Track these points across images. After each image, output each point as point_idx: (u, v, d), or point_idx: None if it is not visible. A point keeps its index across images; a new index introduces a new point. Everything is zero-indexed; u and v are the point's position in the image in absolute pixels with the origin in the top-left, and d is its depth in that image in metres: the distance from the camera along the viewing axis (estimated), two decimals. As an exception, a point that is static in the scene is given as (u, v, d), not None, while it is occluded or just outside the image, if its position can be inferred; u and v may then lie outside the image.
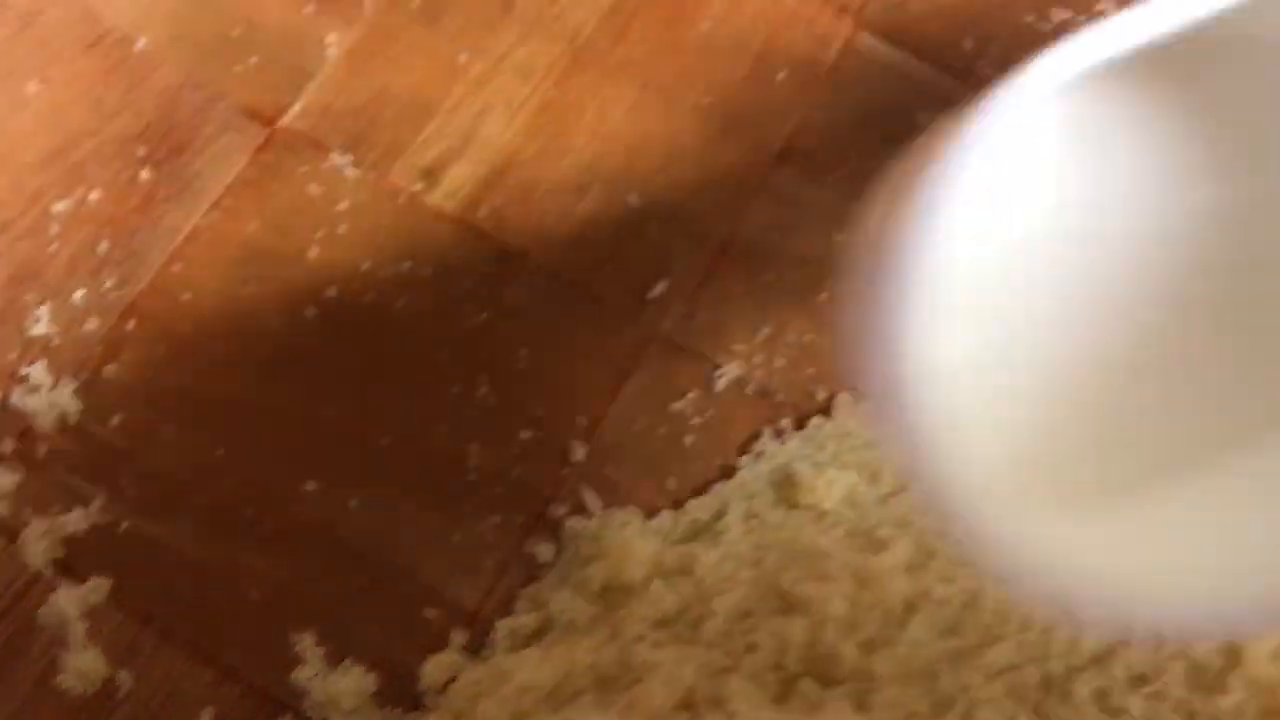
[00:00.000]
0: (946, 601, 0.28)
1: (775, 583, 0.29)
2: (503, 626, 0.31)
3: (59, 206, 0.35)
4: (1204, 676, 0.27)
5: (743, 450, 0.34)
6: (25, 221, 0.35)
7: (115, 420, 0.33)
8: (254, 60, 0.37)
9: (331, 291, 0.35)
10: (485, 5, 0.38)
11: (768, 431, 0.34)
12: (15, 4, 0.36)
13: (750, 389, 0.35)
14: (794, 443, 0.34)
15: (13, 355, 0.33)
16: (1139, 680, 0.27)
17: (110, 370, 0.33)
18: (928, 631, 0.28)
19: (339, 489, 0.33)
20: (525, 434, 0.34)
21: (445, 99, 0.37)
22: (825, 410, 0.35)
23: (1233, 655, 0.27)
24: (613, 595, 0.31)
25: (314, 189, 0.36)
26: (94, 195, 0.35)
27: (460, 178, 0.36)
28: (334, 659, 0.31)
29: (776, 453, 0.34)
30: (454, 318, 0.35)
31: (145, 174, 0.36)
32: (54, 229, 0.35)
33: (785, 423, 0.34)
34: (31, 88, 0.36)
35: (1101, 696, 0.27)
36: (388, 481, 0.33)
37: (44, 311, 0.34)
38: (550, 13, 0.38)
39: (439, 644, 0.31)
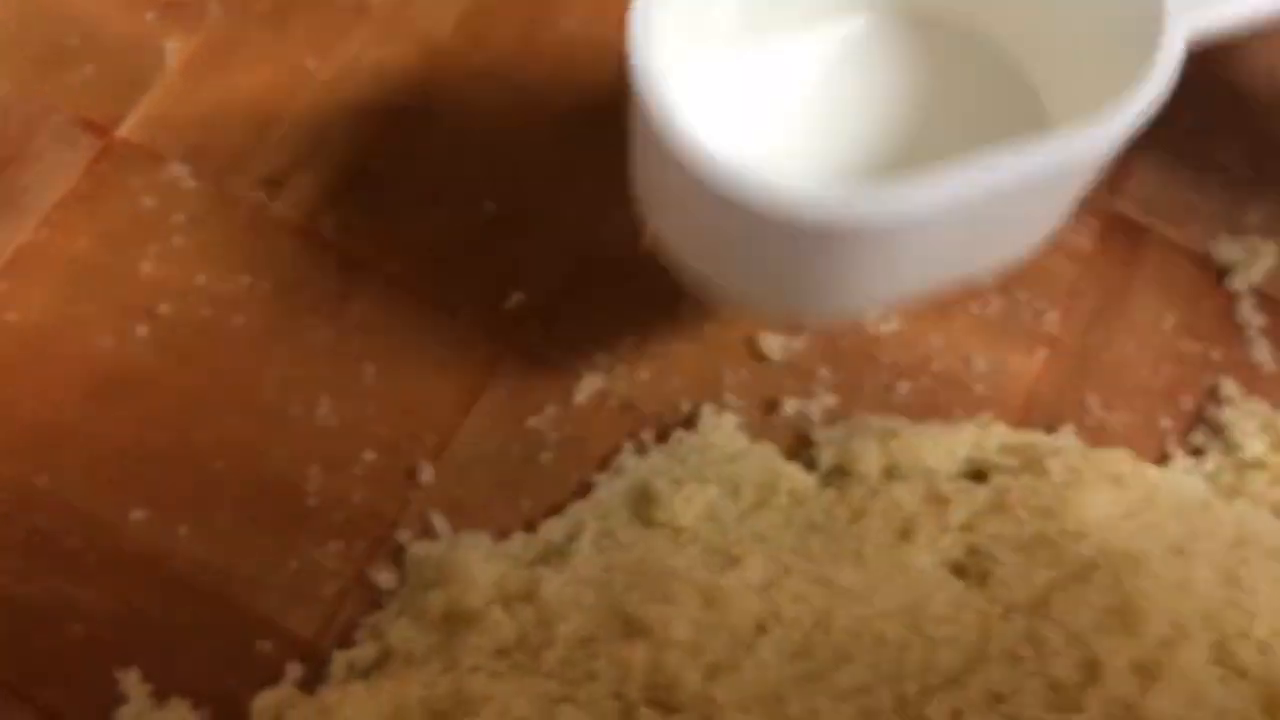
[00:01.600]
0: (797, 622, 0.27)
1: (620, 605, 0.28)
2: (340, 658, 0.29)
3: (-124, 226, 0.33)
4: (1061, 695, 0.26)
5: (602, 466, 0.32)
6: None
7: (-72, 449, 0.31)
8: (89, 70, 0.36)
9: (164, 308, 0.33)
10: (337, 8, 0.37)
11: (629, 445, 0.33)
12: None
13: (612, 401, 0.33)
14: (655, 457, 0.32)
15: None
16: (995, 699, 0.26)
17: (-75, 396, 0.31)
18: (776, 654, 0.27)
19: (169, 517, 0.31)
20: (369, 455, 0.32)
21: (291, 105, 0.36)
22: (689, 422, 0.33)
23: (1091, 671, 0.26)
24: (453, 624, 0.29)
25: (149, 201, 0.34)
26: (-86, 213, 0.33)
27: (305, 187, 0.35)
28: (160, 696, 0.29)
29: (636, 467, 0.32)
30: (294, 334, 0.33)
31: (-30, 189, 0.34)
32: None
33: (647, 436, 0.33)
34: None
35: (956, 716, 0.26)
36: (221, 508, 0.31)
37: None
38: (405, 15, 0.37)
39: (273, 677, 0.29)
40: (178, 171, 0.35)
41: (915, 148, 0.29)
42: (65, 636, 0.29)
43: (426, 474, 0.32)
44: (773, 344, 0.34)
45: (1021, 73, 0.29)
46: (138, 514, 0.31)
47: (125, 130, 0.35)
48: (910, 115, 0.29)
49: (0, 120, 0.35)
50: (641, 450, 0.33)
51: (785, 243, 0.24)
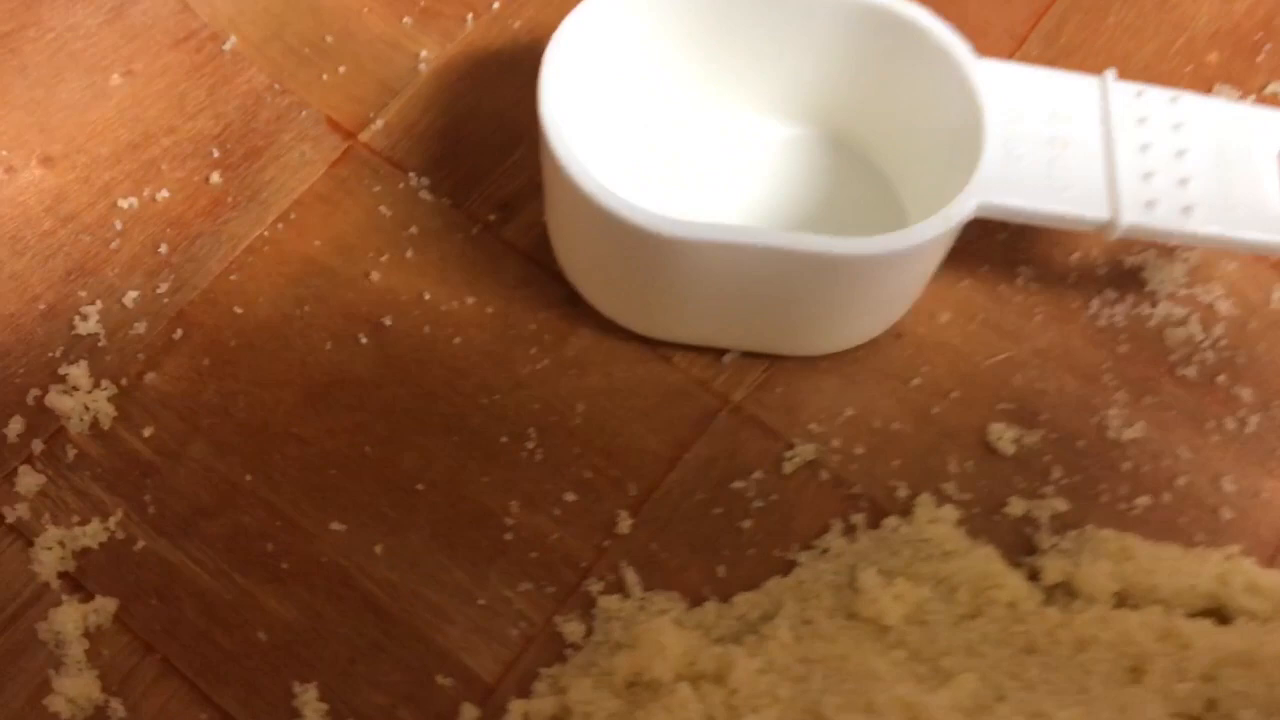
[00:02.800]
0: (1009, 756, 0.25)
1: (816, 707, 0.26)
2: (516, 709, 0.28)
3: (126, 203, 0.34)
4: None
5: (806, 544, 0.31)
6: (91, 215, 0.34)
7: (147, 431, 0.31)
8: (343, 70, 0.36)
9: (388, 320, 0.33)
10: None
11: (837, 526, 0.31)
12: (110, -8, 0.35)
13: (823, 475, 0.31)
14: (864, 542, 0.30)
15: (56, 352, 0.32)
16: None
17: (151, 378, 0.32)
18: (982, 790, 0.24)
19: (366, 533, 0.30)
20: (570, 496, 0.31)
21: (533, 127, 0.35)
22: (905, 510, 0.31)
23: None
24: (638, 692, 0.28)
25: (385, 210, 0.34)
26: (163, 194, 0.34)
27: (538, 212, 0.34)
28: (335, 717, 0.29)
29: (843, 551, 0.30)
30: (511, 362, 0.32)
31: (216, 177, 0.34)
32: (118, 225, 0.34)
33: (858, 519, 0.31)
34: (115, 79, 0.35)
35: None
36: (418, 531, 0.30)
37: (94, 310, 0.32)
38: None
39: (448, 716, 0.29)
40: (416, 183, 0.34)
41: (787, 226, 0.34)
42: (250, 640, 0.29)
43: (624, 524, 0.31)
44: (1005, 436, 0.32)
45: (896, 192, 0.34)
46: (337, 525, 0.30)
47: (369, 135, 0.35)
48: (795, 203, 0.34)
49: (252, 112, 0.35)
50: (850, 533, 0.31)
51: (615, 243, 0.29)
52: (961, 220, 0.29)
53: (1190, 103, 0.31)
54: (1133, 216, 0.29)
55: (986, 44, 0.37)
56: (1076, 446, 0.32)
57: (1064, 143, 0.30)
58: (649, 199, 0.30)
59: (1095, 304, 0.34)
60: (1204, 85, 0.37)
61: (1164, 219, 0.30)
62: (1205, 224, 0.30)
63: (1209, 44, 0.38)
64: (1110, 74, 0.31)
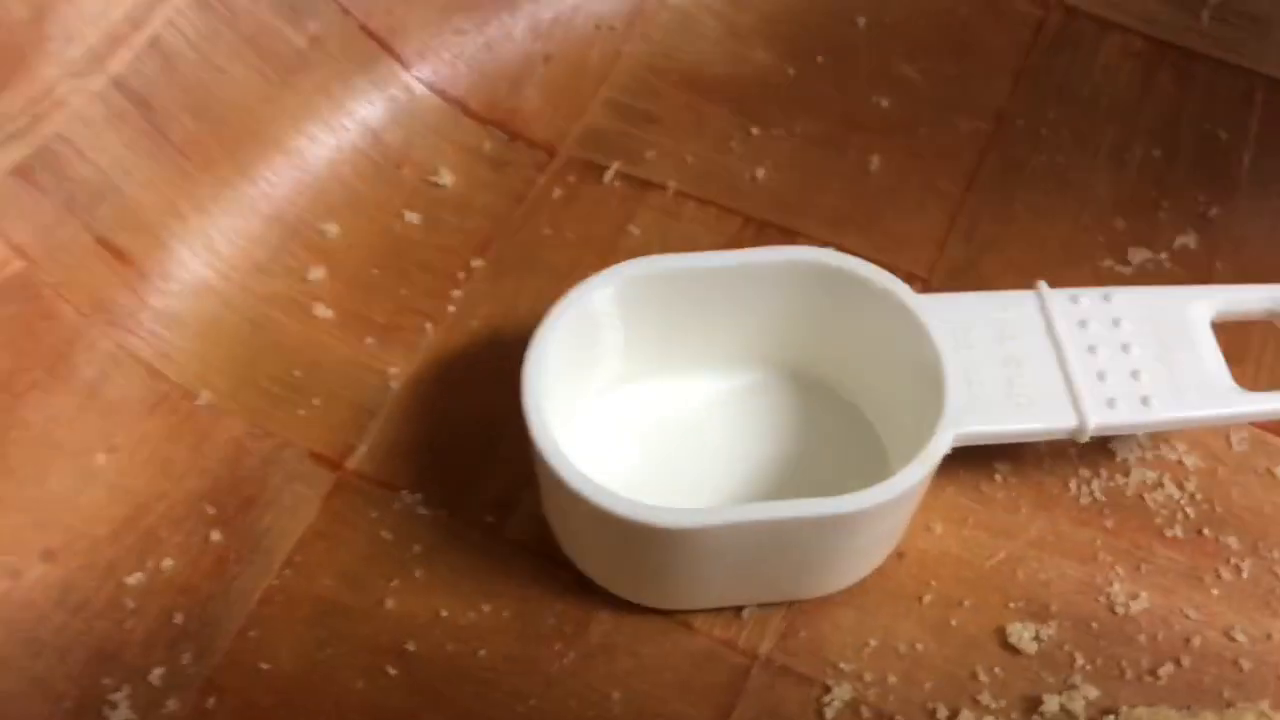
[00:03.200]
0: None
1: None
2: None
3: (133, 579, 0.34)
4: None
5: (864, 788, 0.31)
6: (101, 599, 0.34)
7: (197, 816, 0.31)
8: (317, 402, 0.37)
9: (411, 645, 0.33)
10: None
11: (888, 763, 0.32)
12: (81, 375, 0.36)
13: (865, 713, 0.32)
14: (918, 777, 0.31)
15: (91, 752, 0.32)
16: None
17: (191, 757, 0.32)
18: None
19: None
20: (626, 791, 0.31)
21: (512, 420, 0.36)
22: (949, 732, 0.32)
23: None
24: None
25: (386, 534, 0.35)
26: (167, 563, 0.34)
27: (535, 504, 0.35)
28: None
29: (903, 795, 0.31)
30: (538, 663, 0.33)
31: (216, 534, 0.35)
32: (129, 604, 0.34)
33: (906, 750, 0.32)
34: (100, 458, 0.35)
35: None
36: None
37: (122, 696, 0.32)
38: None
39: None
40: (410, 500, 0.35)
41: (775, 481, 0.35)
42: None
43: (685, 808, 0.31)
44: (1024, 634, 0.33)
45: (870, 425, 0.36)
46: None
47: (356, 461, 0.36)
48: (777, 453, 0.35)
49: (237, 461, 0.36)
50: (903, 769, 0.31)
51: (621, 537, 0.30)
52: (940, 455, 0.30)
53: (1121, 297, 0.33)
54: (1098, 418, 0.31)
55: (911, 255, 0.39)
56: (1092, 629, 0.33)
57: (1018, 361, 0.32)
58: (638, 477, 0.31)
59: (1073, 484, 0.36)
60: (1119, 252, 0.40)
61: (1126, 414, 0.31)
62: (1164, 410, 0.32)
63: (1113, 211, 0.41)
64: (1043, 285, 0.33)
